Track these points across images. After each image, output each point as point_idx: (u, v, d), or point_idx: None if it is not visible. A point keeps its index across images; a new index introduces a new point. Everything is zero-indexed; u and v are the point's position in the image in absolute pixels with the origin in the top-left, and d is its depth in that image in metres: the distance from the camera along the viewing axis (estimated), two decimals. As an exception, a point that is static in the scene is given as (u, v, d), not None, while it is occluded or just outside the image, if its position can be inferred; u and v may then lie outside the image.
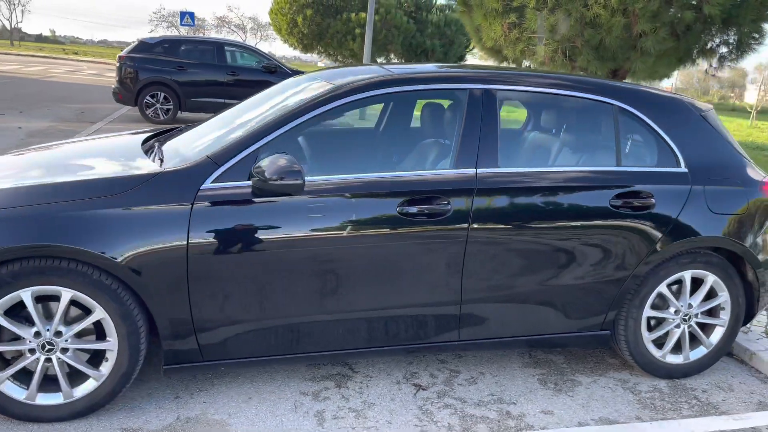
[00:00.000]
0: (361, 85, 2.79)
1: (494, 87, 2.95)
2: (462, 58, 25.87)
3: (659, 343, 3.21)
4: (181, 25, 26.94)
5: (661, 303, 3.17)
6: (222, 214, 2.52)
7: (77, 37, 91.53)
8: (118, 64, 12.17)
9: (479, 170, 2.83)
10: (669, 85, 36.24)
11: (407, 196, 2.71)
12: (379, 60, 25.26)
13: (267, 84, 8.55)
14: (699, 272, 3.13)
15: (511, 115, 7.15)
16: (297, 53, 29.87)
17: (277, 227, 2.56)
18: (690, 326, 3.21)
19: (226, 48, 12.71)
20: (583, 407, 2.94)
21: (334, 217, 2.63)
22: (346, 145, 3.57)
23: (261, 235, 2.55)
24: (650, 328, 3.19)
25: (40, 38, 74.27)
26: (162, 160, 2.80)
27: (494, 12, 9.56)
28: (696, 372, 3.30)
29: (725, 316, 3.24)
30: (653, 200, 2.99)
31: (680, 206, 3.04)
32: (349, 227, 2.64)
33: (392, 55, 25.25)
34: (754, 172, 3.27)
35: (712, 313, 3.27)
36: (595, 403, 2.99)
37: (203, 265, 2.50)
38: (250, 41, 62.94)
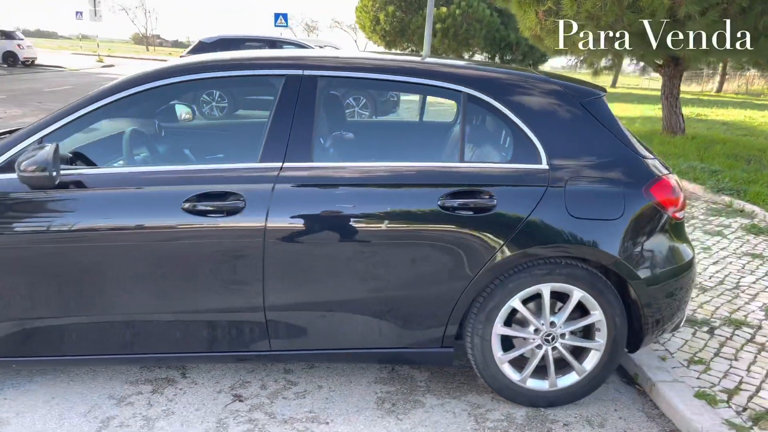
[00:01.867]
0: (149, 75, 2.64)
1: (316, 73, 2.68)
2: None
3: (522, 365, 2.80)
4: (275, 26, 27.71)
5: (520, 320, 2.76)
6: None
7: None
8: (177, 64, 12.73)
9: (286, 164, 2.58)
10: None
11: (198, 192, 2.52)
12: (466, 56, 24.73)
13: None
14: (561, 286, 2.68)
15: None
16: (382, 50, 29.95)
17: (34, 221, 2.47)
18: (555, 348, 2.76)
19: (279, 45, 12.89)
20: (403, 433, 2.62)
21: (100, 213, 2.50)
22: (147, 137, 3.32)
23: (20, 228, 2.47)
24: (507, 348, 2.78)
25: (176, 44, 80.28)
26: None
27: (528, -1, 8.97)
28: (567, 401, 2.84)
29: (601, 338, 2.75)
30: (494, 201, 2.59)
31: (530, 209, 2.61)
32: (126, 224, 2.50)
33: (476, 50, 24.65)
34: (644, 171, 2.74)
35: (588, 334, 2.80)
36: (422, 430, 2.64)
37: None
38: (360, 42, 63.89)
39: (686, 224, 5.53)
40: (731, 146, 9.51)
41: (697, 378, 2.97)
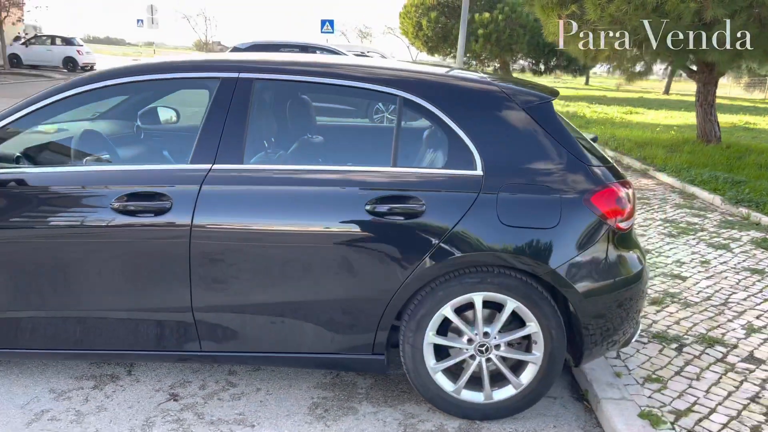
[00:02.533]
0: (94, 76, 2.71)
1: (252, 76, 2.69)
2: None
3: (458, 375, 2.72)
4: (321, 32, 28.02)
5: (456, 329, 2.69)
6: None
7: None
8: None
9: (216, 165, 2.60)
10: None
11: (128, 192, 2.57)
12: (509, 60, 24.43)
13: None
14: (494, 296, 2.60)
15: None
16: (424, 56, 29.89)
17: None
18: (489, 360, 2.67)
19: (312, 50, 13.02)
20: (327, 440, 2.58)
21: (36, 212, 2.58)
22: (101, 139, 3.33)
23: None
24: (441, 357, 2.71)
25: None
26: None
27: (551, 3, 8.78)
28: (503, 415, 2.74)
29: (537, 351, 2.65)
30: (423, 207, 2.54)
31: (459, 216, 2.55)
32: (60, 222, 2.57)
33: (519, 55, 24.34)
34: (587, 179, 2.63)
35: (528, 346, 2.70)
36: (346, 438, 2.61)
37: None
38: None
39: (693, 236, 5.30)
40: (767, 157, 9.06)
41: (649, 397, 2.83)
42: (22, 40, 28.97)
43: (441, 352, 2.71)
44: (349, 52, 14.10)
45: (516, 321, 2.66)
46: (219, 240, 2.57)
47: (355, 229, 2.56)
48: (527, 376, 2.69)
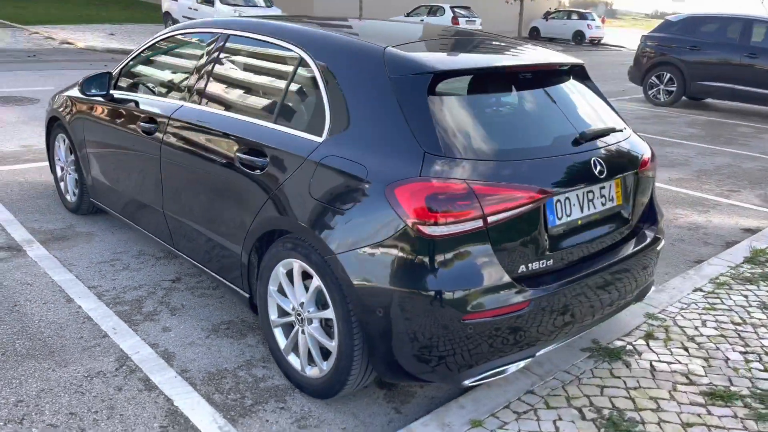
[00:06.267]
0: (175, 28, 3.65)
1: (227, 32, 3.21)
2: None
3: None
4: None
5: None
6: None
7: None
8: (639, 43, 12.33)
9: (183, 104, 3.28)
10: None
11: (143, 117, 3.50)
12: None
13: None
14: (305, 266, 2.51)
15: None
16: None
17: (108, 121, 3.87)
18: (307, 332, 2.59)
19: (756, 26, 10.89)
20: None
21: (118, 122, 3.72)
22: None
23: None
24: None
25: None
26: None
27: None
28: (309, 393, 2.63)
29: (334, 340, 2.45)
30: (266, 163, 2.65)
31: (283, 179, 2.55)
32: (125, 132, 3.66)
33: None
34: (406, 168, 2.22)
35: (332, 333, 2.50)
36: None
37: None
38: None
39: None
40: None
41: None
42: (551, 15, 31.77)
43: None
44: None
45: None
46: (167, 157, 3.26)
47: (228, 171, 2.85)
48: (329, 363, 2.52)
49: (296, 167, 2.52)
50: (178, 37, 3.64)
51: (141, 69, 3.85)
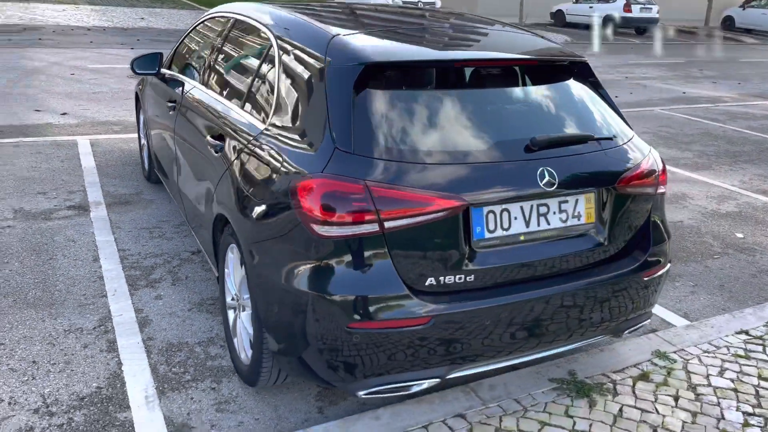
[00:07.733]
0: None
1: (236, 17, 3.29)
2: None
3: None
4: None
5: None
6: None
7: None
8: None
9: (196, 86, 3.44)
10: None
11: (167, 99, 3.72)
12: None
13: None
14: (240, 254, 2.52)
15: None
16: None
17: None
18: (242, 318, 2.61)
19: None
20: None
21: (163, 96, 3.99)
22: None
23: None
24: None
25: None
26: None
27: None
28: (242, 377, 2.63)
29: (253, 324, 2.44)
30: (221, 146, 2.70)
31: (228, 163, 2.61)
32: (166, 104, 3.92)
33: None
34: (316, 165, 2.12)
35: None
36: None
37: None
38: None
39: None
40: None
41: None
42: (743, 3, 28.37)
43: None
44: None
45: None
46: (180, 134, 3.44)
47: (206, 150, 2.93)
48: (251, 352, 2.51)
49: (239, 153, 2.54)
50: (217, 18, 3.80)
51: (182, 50, 4.07)
